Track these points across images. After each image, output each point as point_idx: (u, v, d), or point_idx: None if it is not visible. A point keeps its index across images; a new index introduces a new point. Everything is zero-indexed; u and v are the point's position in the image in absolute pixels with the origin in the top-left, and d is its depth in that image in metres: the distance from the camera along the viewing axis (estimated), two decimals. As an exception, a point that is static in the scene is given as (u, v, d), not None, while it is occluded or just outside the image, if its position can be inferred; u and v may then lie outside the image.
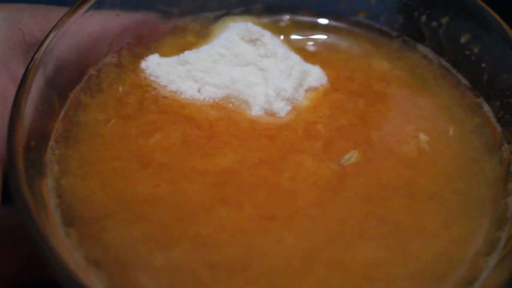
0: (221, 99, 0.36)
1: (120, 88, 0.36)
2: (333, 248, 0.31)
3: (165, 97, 0.36)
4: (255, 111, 0.36)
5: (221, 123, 0.35)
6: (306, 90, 0.37)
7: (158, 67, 0.37)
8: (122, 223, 0.31)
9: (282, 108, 0.36)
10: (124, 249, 0.30)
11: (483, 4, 0.36)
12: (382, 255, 0.31)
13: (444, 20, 0.39)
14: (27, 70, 0.31)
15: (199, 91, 0.36)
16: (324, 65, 0.39)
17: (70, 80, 0.35)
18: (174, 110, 0.36)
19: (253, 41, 0.37)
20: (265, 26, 0.40)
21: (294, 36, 0.41)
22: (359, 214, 0.32)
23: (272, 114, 0.36)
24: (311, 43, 0.41)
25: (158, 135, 0.34)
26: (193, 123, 0.35)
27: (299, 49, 0.40)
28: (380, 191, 0.33)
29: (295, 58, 0.38)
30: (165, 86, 0.36)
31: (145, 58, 0.38)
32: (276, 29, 0.41)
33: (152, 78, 0.37)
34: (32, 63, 0.31)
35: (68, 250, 0.29)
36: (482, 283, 0.30)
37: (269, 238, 0.31)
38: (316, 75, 0.38)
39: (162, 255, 0.30)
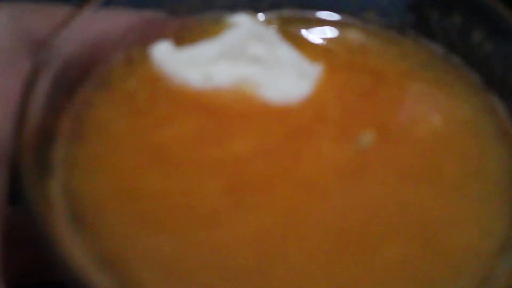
0: (229, 87, 0.36)
1: (131, 83, 0.36)
2: (361, 243, 0.30)
3: (175, 88, 0.36)
4: (264, 98, 0.36)
5: (232, 110, 0.35)
6: (311, 79, 0.37)
7: (165, 55, 0.37)
8: (130, 222, 0.30)
9: (291, 95, 0.36)
10: (131, 249, 0.30)
11: (496, 2, 0.36)
12: (410, 250, 0.30)
13: (456, 18, 0.39)
14: (33, 68, 0.31)
15: (206, 79, 0.36)
16: (326, 56, 0.39)
17: (77, 78, 0.35)
18: (185, 100, 0.35)
19: (259, 36, 0.37)
20: (272, 22, 0.40)
21: (301, 32, 0.41)
22: (385, 201, 0.32)
23: (281, 100, 0.36)
24: (319, 39, 0.40)
25: (171, 126, 0.34)
26: (205, 112, 0.35)
27: (305, 45, 0.39)
28: (402, 175, 0.33)
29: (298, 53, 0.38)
30: (170, 74, 0.36)
31: (155, 44, 0.37)
32: (284, 25, 0.41)
33: (158, 65, 0.37)
34: (39, 61, 0.31)
35: (75, 250, 0.29)
36: (496, 280, 0.30)
37: (291, 239, 0.30)
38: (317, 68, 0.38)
39: (170, 256, 0.29)
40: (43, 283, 0.36)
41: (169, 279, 0.29)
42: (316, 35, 0.40)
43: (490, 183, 0.33)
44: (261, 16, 0.41)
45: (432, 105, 0.37)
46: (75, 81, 0.35)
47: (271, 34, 0.37)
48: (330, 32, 0.41)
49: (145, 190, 0.31)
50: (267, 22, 0.40)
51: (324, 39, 0.40)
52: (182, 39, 0.39)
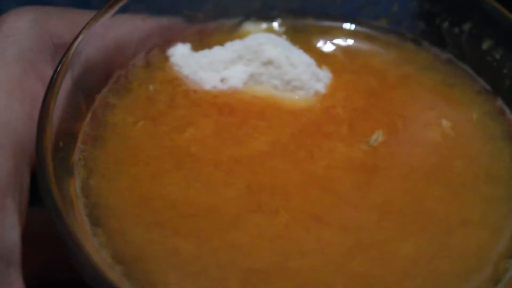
0: (244, 88, 0.37)
1: (151, 87, 0.37)
2: (376, 240, 0.31)
3: (193, 90, 0.37)
4: (277, 99, 0.37)
5: (248, 110, 0.36)
6: (322, 81, 0.38)
7: (181, 57, 0.38)
8: (150, 226, 0.31)
9: (302, 96, 0.37)
10: (150, 251, 0.30)
11: (506, 11, 0.37)
12: (423, 248, 0.31)
13: (466, 26, 0.39)
14: (55, 72, 0.31)
15: (223, 81, 0.37)
16: (334, 61, 0.40)
17: (97, 82, 0.36)
18: (203, 102, 0.36)
19: (273, 41, 0.38)
20: (286, 31, 0.41)
21: (309, 39, 0.41)
22: (397, 200, 0.32)
23: (293, 101, 0.37)
24: (332, 48, 0.41)
25: (190, 128, 0.35)
26: (222, 112, 0.36)
27: (313, 51, 0.40)
28: (412, 175, 0.33)
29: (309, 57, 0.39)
30: (187, 76, 0.37)
31: (174, 45, 0.38)
32: (294, 33, 0.41)
33: (176, 68, 0.38)
34: (60, 65, 0.32)
35: (96, 249, 0.30)
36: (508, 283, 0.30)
37: (308, 238, 0.31)
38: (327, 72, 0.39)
39: (188, 258, 0.30)
40: (59, 283, 0.37)
41: (187, 279, 0.29)
42: (323, 42, 0.41)
43: (500, 185, 0.34)
44: (272, 24, 0.42)
45: (439, 107, 0.37)
46: (96, 85, 0.36)
47: (284, 40, 0.38)
48: (337, 40, 0.41)
49: (166, 199, 0.32)
50: (279, 30, 0.41)
51: (331, 45, 0.41)
52: (198, 45, 0.39)
